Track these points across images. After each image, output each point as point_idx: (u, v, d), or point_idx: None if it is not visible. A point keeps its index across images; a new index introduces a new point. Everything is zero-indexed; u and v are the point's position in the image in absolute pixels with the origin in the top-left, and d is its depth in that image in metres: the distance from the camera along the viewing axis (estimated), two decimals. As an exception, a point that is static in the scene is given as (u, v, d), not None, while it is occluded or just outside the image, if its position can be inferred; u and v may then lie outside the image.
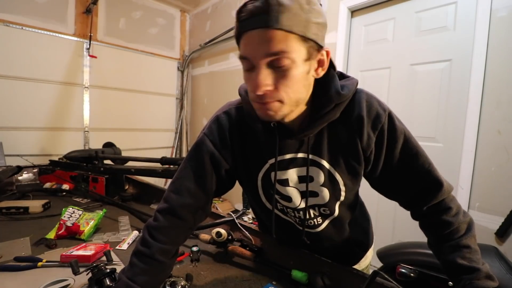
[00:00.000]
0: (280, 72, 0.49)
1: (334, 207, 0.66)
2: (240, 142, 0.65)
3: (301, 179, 0.63)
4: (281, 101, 0.51)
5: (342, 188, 0.62)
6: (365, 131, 0.57)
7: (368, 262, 0.85)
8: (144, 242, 0.59)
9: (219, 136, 0.65)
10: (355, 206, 0.73)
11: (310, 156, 0.60)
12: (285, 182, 0.64)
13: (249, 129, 0.63)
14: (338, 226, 0.71)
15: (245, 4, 0.48)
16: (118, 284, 0.56)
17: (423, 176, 0.58)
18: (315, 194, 0.64)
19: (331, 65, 0.58)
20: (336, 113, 0.56)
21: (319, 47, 0.51)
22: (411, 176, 0.59)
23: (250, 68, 0.51)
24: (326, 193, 0.63)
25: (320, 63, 0.53)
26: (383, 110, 0.57)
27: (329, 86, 0.56)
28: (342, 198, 0.64)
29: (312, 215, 0.67)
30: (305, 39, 0.48)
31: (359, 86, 0.60)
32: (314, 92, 0.57)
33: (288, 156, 0.61)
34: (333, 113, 0.56)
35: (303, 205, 0.65)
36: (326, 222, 0.69)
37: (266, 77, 0.49)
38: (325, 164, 0.60)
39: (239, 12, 0.49)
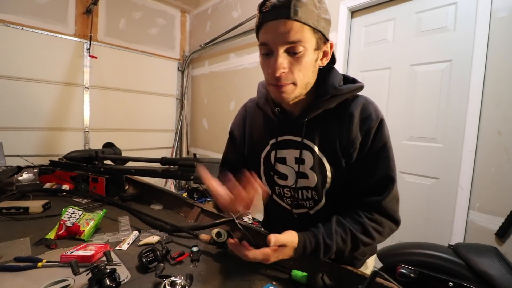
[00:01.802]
0: (295, 58, 0.57)
1: (322, 193, 0.70)
2: (250, 127, 0.80)
3: (296, 160, 0.70)
4: (294, 84, 0.60)
5: (329, 175, 0.68)
6: (353, 129, 0.63)
7: (370, 271, 0.83)
8: None
9: (237, 121, 0.85)
10: (344, 205, 0.72)
11: (304, 141, 0.68)
12: (283, 160, 0.72)
13: (258, 117, 0.78)
14: (325, 217, 0.72)
15: None
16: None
17: (383, 175, 0.64)
18: (305, 176, 0.70)
19: (333, 61, 0.67)
20: (330, 104, 0.64)
21: (326, 40, 0.60)
22: (374, 172, 0.65)
23: (268, 53, 0.59)
24: (314, 177, 0.69)
25: (325, 53, 0.63)
26: (376, 116, 0.63)
27: (327, 79, 0.64)
28: (328, 185, 0.69)
29: (305, 197, 0.74)
30: (316, 31, 0.57)
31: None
32: (317, 84, 0.65)
33: (286, 137, 0.71)
34: (327, 103, 0.63)
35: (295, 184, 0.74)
36: (316, 208, 0.74)
37: (283, 61, 0.57)
38: (316, 149, 0.67)
39: (262, 5, 0.57)
